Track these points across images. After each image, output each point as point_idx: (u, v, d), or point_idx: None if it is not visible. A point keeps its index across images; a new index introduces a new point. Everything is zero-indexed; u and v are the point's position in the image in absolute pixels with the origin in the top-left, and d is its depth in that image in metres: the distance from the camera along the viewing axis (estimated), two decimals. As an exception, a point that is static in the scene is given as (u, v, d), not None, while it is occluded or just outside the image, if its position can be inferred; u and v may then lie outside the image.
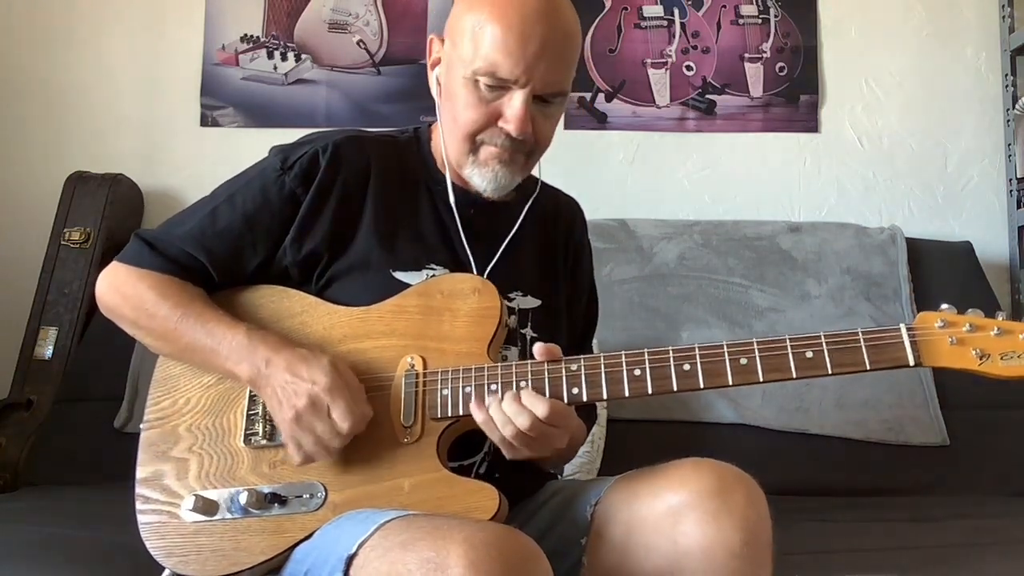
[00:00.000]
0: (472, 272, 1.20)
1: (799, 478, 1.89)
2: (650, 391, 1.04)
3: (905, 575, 1.33)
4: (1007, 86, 2.40)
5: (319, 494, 1.08)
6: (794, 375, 1.01)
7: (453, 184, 1.22)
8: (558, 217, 1.34)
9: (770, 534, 0.98)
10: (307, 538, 1.06)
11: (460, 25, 1.15)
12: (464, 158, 1.18)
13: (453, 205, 1.22)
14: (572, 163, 2.42)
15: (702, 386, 1.03)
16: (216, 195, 1.22)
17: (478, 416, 1.05)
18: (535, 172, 1.29)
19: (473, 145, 1.17)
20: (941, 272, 2.19)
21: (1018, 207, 2.35)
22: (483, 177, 1.18)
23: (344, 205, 1.20)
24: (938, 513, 1.70)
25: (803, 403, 1.99)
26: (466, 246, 1.21)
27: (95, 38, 2.49)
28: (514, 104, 1.12)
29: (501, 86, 1.12)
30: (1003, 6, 2.42)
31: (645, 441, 1.92)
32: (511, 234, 1.24)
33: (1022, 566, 1.39)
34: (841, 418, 1.98)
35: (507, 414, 1.03)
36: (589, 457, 1.81)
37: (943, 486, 1.91)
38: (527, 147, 1.17)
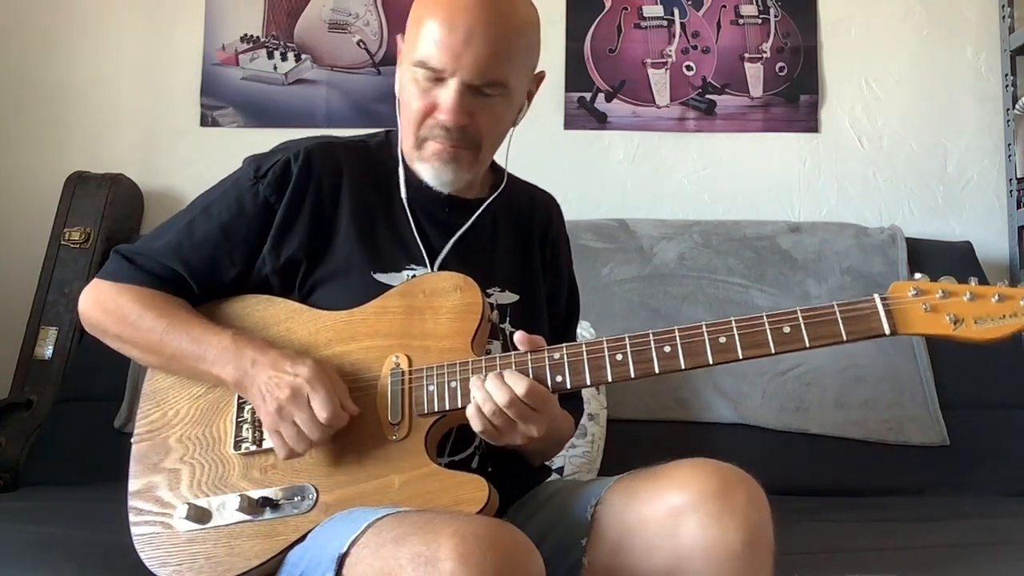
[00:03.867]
0: (428, 267, 1.20)
1: (799, 478, 1.88)
2: (633, 375, 1.05)
3: (905, 575, 1.33)
4: (1007, 86, 2.40)
5: (310, 496, 1.08)
6: (773, 351, 1.02)
7: (422, 181, 1.22)
8: (533, 212, 1.35)
9: (772, 535, 0.98)
10: (300, 540, 1.06)
11: (410, 20, 1.18)
12: (413, 152, 1.21)
13: (404, 200, 1.23)
14: (572, 163, 2.42)
15: (683, 367, 1.04)
16: (193, 207, 1.23)
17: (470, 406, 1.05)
18: (507, 167, 1.31)
19: (419, 140, 1.18)
20: (941, 272, 2.14)
21: (1018, 207, 2.35)
22: (428, 172, 1.20)
23: (319, 211, 1.20)
24: (938, 513, 1.70)
25: (803, 403, 1.99)
26: (418, 240, 1.21)
27: (95, 38, 2.49)
28: (444, 93, 1.13)
29: (437, 77, 1.13)
30: (1003, 6, 2.41)
31: (645, 441, 1.92)
32: (463, 229, 1.24)
33: (1022, 566, 1.38)
34: (841, 418, 1.97)
35: (488, 390, 1.04)
36: (589, 457, 1.81)
37: (943, 486, 1.91)
38: (469, 141, 1.17)
